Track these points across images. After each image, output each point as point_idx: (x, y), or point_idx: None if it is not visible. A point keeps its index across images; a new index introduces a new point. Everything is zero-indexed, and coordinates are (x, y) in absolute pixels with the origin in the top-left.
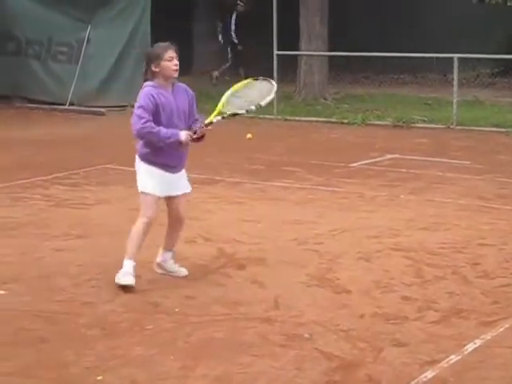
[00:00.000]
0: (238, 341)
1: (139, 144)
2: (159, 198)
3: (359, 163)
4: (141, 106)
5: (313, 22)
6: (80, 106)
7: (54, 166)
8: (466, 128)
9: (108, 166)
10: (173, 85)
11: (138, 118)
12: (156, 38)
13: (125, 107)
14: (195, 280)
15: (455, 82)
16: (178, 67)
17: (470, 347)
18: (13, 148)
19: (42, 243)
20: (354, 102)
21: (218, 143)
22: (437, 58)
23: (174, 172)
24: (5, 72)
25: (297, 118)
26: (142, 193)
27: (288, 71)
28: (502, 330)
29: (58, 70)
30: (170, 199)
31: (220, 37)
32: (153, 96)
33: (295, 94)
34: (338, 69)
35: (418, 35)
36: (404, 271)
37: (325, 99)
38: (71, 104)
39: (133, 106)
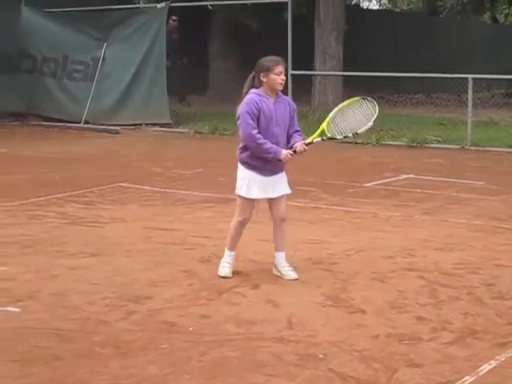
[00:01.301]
0: (252, 360)
1: (239, 148)
2: (253, 200)
3: (374, 183)
4: (247, 112)
5: (328, 42)
6: (95, 124)
7: (69, 184)
8: (481, 149)
9: (123, 184)
10: (276, 95)
11: (245, 124)
12: (172, 57)
13: (139, 125)
14: (210, 299)
15: (469, 103)
16: (284, 81)
17: (485, 368)
18: (28, 166)
19: (56, 261)
20: None
21: (232, 162)
22: (451, 78)
23: (268, 175)
24: (20, 90)
25: None
26: (237, 195)
27: (303, 90)
28: None
29: (73, 88)
30: (270, 201)
31: None
32: (256, 102)
33: (310, 114)
34: (352, 88)
35: (433, 55)
36: (418, 291)
37: None
38: (86, 122)
39: (147, 125)
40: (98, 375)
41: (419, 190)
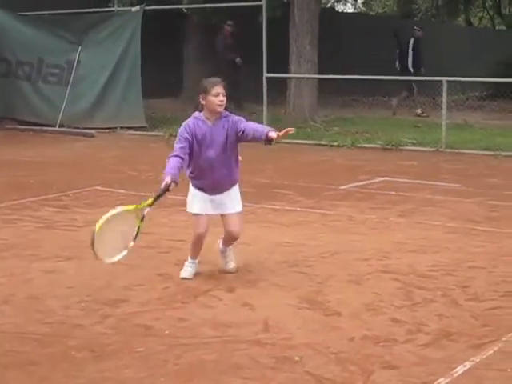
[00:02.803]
0: (228, 363)
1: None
2: (199, 215)
3: (349, 186)
4: (179, 135)
5: (303, 45)
6: (70, 127)
7: (44, 188)
8: (455, 151)
9: (97, 187)
10: (218, 118)
11: (175, 145)
12: (145, 60)
13: (114, 129)
14: (185, 302)
15: (444, 105)
16: (223, 103)
17: (460, 370)
18: (2, 169)
19: (31, 265)
20: (343, 125)
21: None
22: (426, 80)
23: (212, 194)
24: None
25: (286, 141)
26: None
27: (277, 93)
28: (491, 352)
29: (48, 91)
30: (221, 217)
31: (397, 63)
32: (189, 126)
33: (285, 117)
34: (327, 91)
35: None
36: (394, 294)
37: (314, 122)
38: (61, 126)
39: (122, 128)
40: (74, 379)
41: (394, 193)
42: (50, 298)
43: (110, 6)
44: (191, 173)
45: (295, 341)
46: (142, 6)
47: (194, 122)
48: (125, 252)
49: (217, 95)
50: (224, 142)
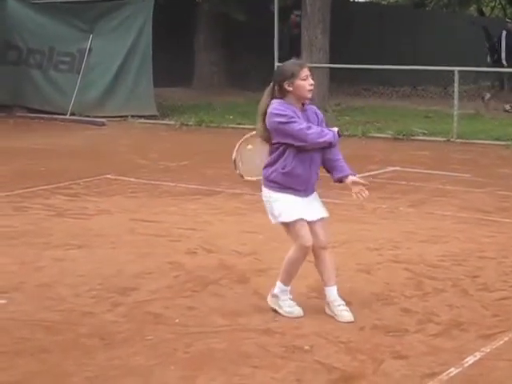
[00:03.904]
0: (238, 352)
1: (265, 168)
2: (302, 220)
3: (360, 175)
4: (289, 119)
5: (314, 34)
6: (81, 115)
7: (55, 176)
8: (467, 141)
9: (108, 176)
10: (303, 106)
11: (297, 131)
12: (157, 49)
13: (125, 117)
14: (195, 291)
15: (456, 95)
16: (312, 87)
17: (470, 360)
18: (13, 157)
19: (42, 253)
20: (354, 114)
21: (218, 154)
22: (438, 70)
23: (302, 196)
24: (5, 81)
25: None
26: (281, 224)
27: None
28: (501, 342)
29: (59, 79)
30: (310, 224)
31: (488, 57)
32: (288, 108)
33: None
34: (338, 80)
35: (419, 47)
36: (404, 283)
37: (325, 111)
38: (72, 114)
39: (133, 117)
40: (84, 366)
41: (405, 183)
42: (61, 286)
43: None
44: (283, 168)
45: (305, 330)
46: None
47: (287, 106)
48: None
49: (306, 78)
50: None
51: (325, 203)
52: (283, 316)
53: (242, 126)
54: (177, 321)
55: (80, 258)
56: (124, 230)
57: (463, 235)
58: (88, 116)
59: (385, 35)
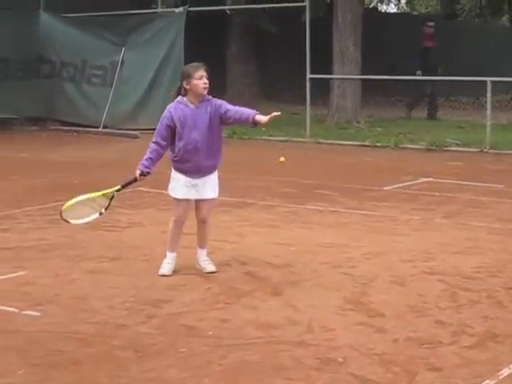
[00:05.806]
0: (272, 364)
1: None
2: (181, 200)
3: (392, 187)
4: (161, 120)
5: (346, 45)
6: (113, 128)
7: (88, 189)
8: (500, 151)
9: (141, 188)
10: (201, 101)
11: (156, 130)
12: (188, 61)
13: None
14: (228, 303)
15: (488, 106)
16: (207, 85)
17: (506, 372)
18: (47, 170)
19: (75, 265)
20: (386, 126)
21: (251, 166)
22: (470, 81)
23: (195, 178)
24: (39, 95)
25: (329, 142)
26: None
27: (321, 94)
28: None
29: (91, 92)
30: (195, 202)
31: None
32: (170, 112)
33: (328, 118)
34: (370, 91)
35: (451, 58)
36: (438, 295)
37: (358, 122)
38: (105, 127)
39: None
40: (117, 379)
41: (438, 194)
42: (95, 298)
43: (153, 8)
44: (175, 156)
45: (339, 342)
46: (186, 7)
47: (176, 106)
48: (96, 215)
49: (200, 78)
50: (208, 124)
51: (357, 214)
52: (314, 328)
53: (274, 138)
54: (210, 333)
55: (113, 270)
56: (156, 242)
57: (498, 246)
58: (121, 129)
59: (416, 46)
